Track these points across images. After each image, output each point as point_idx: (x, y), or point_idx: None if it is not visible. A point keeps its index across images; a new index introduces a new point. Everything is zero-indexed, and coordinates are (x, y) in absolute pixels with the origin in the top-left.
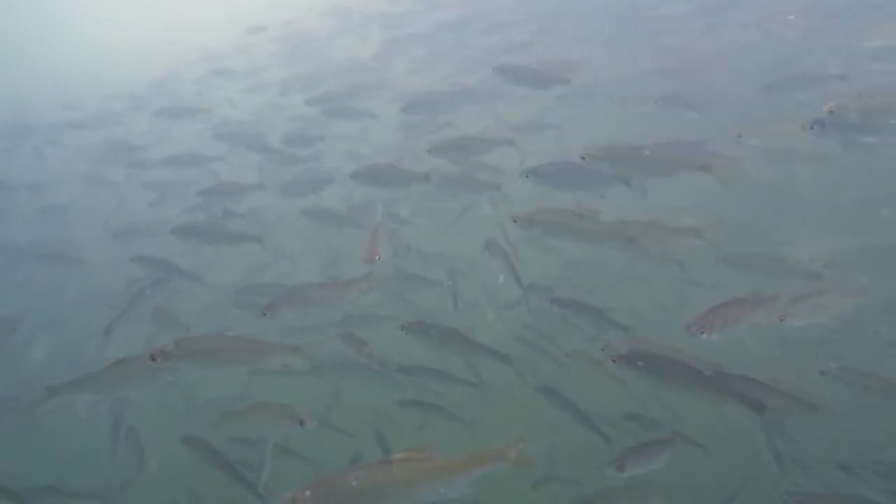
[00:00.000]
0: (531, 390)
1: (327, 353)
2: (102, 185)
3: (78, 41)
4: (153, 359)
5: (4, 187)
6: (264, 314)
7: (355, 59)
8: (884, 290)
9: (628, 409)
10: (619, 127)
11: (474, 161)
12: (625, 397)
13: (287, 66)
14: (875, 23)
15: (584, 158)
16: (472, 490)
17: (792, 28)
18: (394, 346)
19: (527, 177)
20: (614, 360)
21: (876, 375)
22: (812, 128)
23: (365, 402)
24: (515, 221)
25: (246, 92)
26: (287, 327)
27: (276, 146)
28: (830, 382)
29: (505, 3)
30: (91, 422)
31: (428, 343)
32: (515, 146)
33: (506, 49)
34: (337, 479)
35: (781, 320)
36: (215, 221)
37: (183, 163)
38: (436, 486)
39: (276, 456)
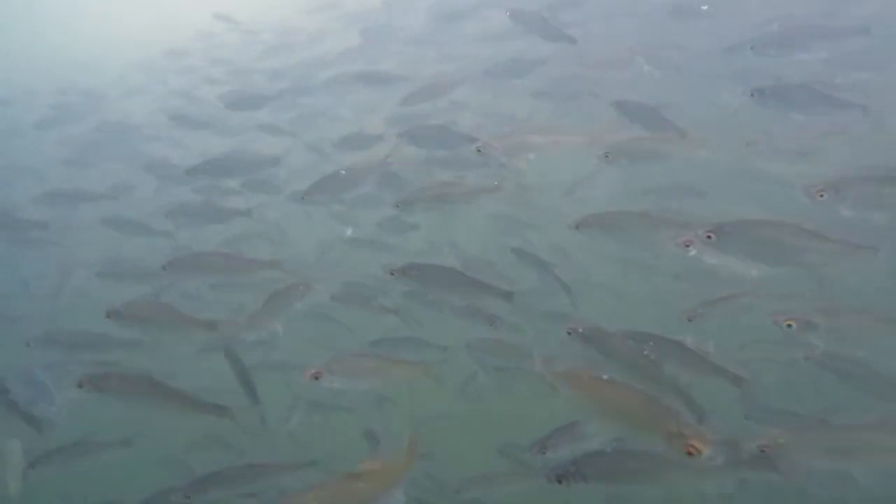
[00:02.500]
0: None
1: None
2: (101, 169)
3: (76, 32)
4: (108, 317)
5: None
6: (163, 269)
7: (344, 52)
8: None
9: None
10: None
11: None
12: None
13: (278, 56)
14: None
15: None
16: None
17: None
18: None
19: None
20: (392, 273)
21: (861, 363)
22: None
23: None
24: (398, 206)
25: (240, 81)
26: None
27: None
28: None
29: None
30: None
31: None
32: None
33: (481, 38)
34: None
35: None
36: (206, 201)
37: (183, 147)
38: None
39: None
